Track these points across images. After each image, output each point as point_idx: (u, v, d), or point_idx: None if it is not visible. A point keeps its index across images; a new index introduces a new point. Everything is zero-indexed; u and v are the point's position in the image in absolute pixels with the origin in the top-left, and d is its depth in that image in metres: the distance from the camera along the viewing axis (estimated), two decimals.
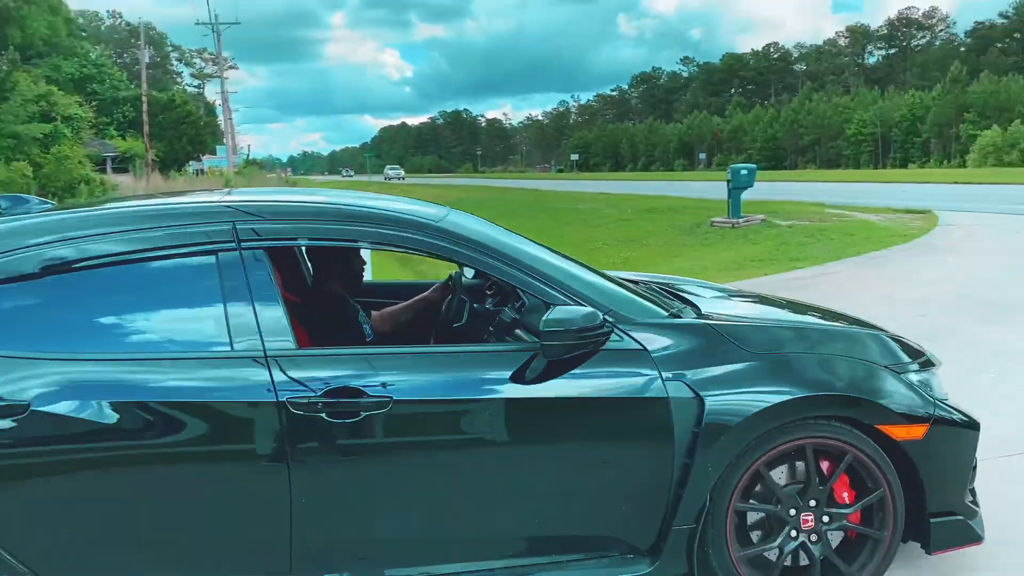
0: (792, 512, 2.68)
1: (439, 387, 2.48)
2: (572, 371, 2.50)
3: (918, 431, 2.69)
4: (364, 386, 2.39)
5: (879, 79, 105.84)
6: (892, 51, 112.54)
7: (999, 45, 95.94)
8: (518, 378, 2.48)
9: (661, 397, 2.52)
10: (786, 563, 2.69)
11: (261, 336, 2.40)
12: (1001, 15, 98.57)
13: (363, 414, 2.38)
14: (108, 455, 2.32)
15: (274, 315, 2.44)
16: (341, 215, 2.68)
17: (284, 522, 2.39)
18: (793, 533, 2.69)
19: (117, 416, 2.29)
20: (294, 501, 2.37)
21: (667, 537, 2.57)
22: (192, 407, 2.34)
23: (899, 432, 2.68)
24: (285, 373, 2.37)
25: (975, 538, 2.84)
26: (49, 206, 2.88)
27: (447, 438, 2.53)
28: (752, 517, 2.73)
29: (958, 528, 2.80)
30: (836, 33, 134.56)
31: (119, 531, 2.37)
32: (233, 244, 2.48)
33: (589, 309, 2.49)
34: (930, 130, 79.91)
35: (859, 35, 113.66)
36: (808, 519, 2.69)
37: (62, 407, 2.27)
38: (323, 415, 2.36)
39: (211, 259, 2.47)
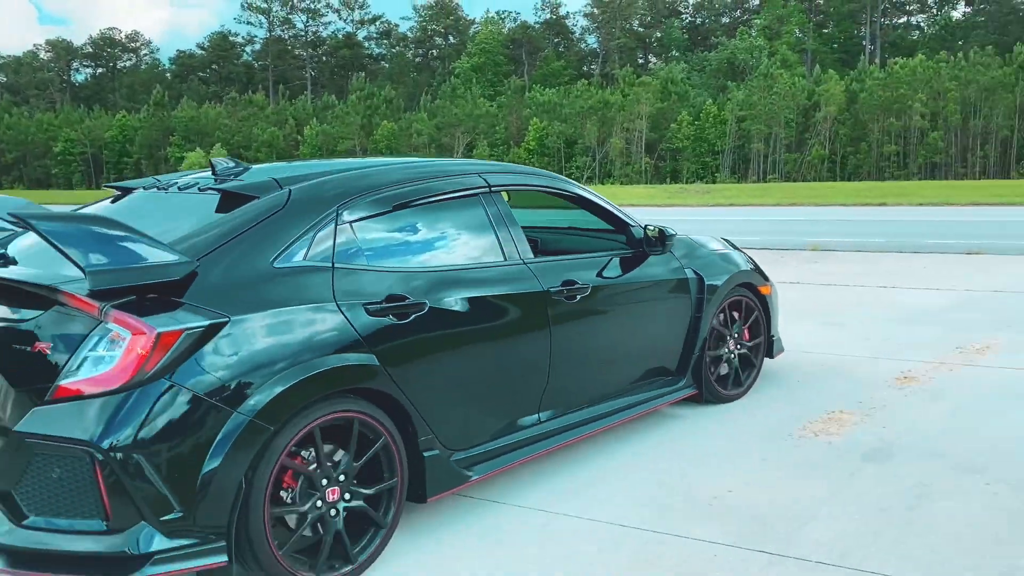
0: (733, 337, 4.88)
1: (612, 276, 4.13)
2: (657, 261, 4.43)
3: (767, 289, 5.12)
4: (578, 279, 3.84)
5: (87, 97, 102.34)
6: (100, 70, 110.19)
7: (199, 74, 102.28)
8: (640, 266, 4.31)
9: (684, 277, 4.55)
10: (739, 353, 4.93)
11: (522, 249, 3.72)
12: (199, 46, 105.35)
13: (578, 296, 3.81)
14: (460, 333, 3.32)
15: (521, 237, 3.76)
16: (527, 183, 4.14)
17: (545, 365, 3.68)
18: (732, 345, 4.87)
19: (455, 306, 3.29)
20: (554, 349, 3.69)
21: (688, 364, 4.57)
22: (495, 299, 3.47)
23: (764, 290, 5.07)
24: (536, 276, 3.67)
25: None
26: (244, 166, 3.48)
27: (612, 307, 4.10)
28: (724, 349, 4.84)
29: None
30: (35, 46, 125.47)
31: (471, 386, 3.39)
32: (486, 188, 3.72)
33: (669, 228, 4.48)
34: (140, 151, 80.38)
35: (63, 50, 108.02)
36: (734, 343, 4.89)
37: (444, 303, 3.25)
38: (566, 296, 3.75)
39: (477, 199, 3.67)
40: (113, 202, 3.57)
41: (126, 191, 3.63)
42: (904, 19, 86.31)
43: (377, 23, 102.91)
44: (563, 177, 4.40)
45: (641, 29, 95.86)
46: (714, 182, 58.10)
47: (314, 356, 2.80)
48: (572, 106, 67.00)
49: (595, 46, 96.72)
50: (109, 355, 2.52)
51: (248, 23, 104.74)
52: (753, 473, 3.72)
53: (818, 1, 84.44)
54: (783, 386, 5.06)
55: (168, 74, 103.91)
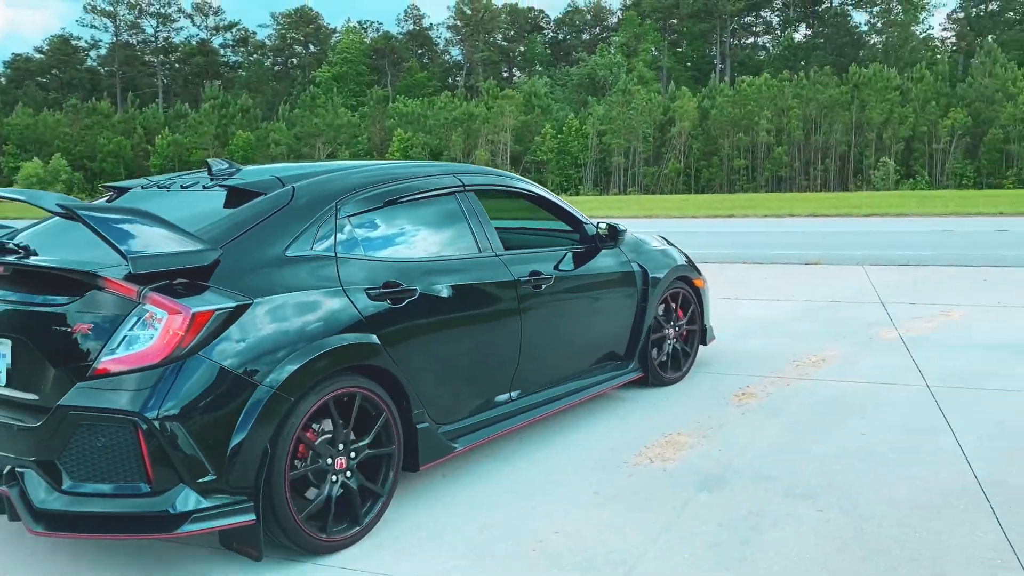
0: (673, 326, 5.41)
1: (571, 268, 4.56)
2: (608, 255, 4.90)
3: (700, 282, 5.64)
4: (542, 270, 4.27)
5: None
6: None
7: (38, 79, 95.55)
8: (593, 259, 4.78)
9: (631, 270, 5.03)
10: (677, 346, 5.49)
11: (494, 244, 4.10)
12: (37, 50, 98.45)
13: (544, 285, 4.23)
14: (446, 317, 3.69)
15: (492, 232, 4.14)
16: (497, 183, 4.50)
17: (516, 348, 4.07)
18: (671, 333, 5.40)
19: (442, 292, 3.66)
20: (524, 333, 4.09)
21: (636, 349, 5.04)
22: (476, 287, 3.87)
23: (698, 283, 5.60)
24: (506, 264, 4.07)
25: None
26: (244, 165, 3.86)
27: (572, 296, 4.51)
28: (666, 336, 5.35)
29: None
30: None
31: (455, 364, 3.74)
32: (461, 187, 4.11)
33: (620, 224, 4.96)
34: None
35: None
36: (674, 331, 5.42)
37: (432, 289, 3.61)
38: (533, 286, 4.15)
39: (453, 198, 4.05)
40: (109, 201, 3.73)
41: (122, 191, 3.86)
42: (751, 40, 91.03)
43: (233, 30, 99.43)
44: (526, 179, 4.85)
45: (505, 43, 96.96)
46: (577, 194, 59.18)
47: (326, 335, 3.13)
48: (436, 117, 66.75)
49: (459, 58, 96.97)
50: (147, 334, 2.77)
51: (92, 26, 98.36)
52: (584, 508, 3.45)
53: (672, 21, 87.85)
54: (621, 407, 4.86)
55: (2, 78, 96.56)
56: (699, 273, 5.68)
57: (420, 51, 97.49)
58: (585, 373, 4.68)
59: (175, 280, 2.85)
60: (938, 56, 69.45)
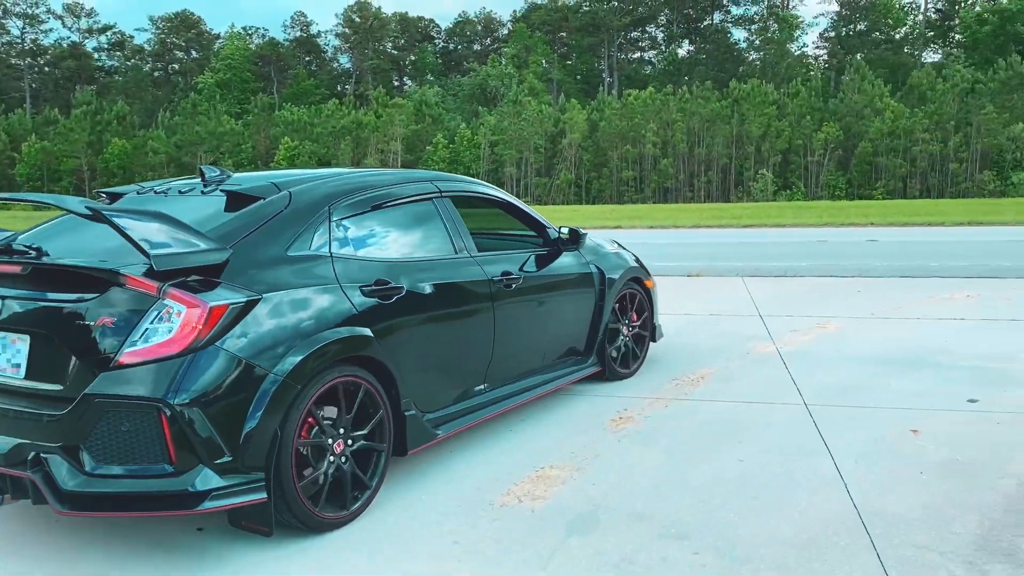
0: (626, 324, 5.77)
1: (537, 268, 4.89)
2: (569, 257, 5.25)
3: (651, 283, 6.05)
4: (519, 268, 4.67)
5: None
6: None
7: None
8: (556, 260, 5.12)
9: (590, 272, 5.38)
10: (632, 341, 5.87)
11: (469, 246, 4.40)
12: None
13: (514, 284, 4.54)
14: (429, 313, 3.97)
15: (467, 234, 4.44)
16: (470, 190, 4.80)
17: (490, 343, 4.37)
18: (625, 330, 5.76)
19: (425, 290, 3.94)
20: (497, 330, 4.40)
21: (594, 345, 5.41)
22: (455, 285, 4.16)
23: (648, 284, 5.99)
24: (480, 265, 4.38)
25: None
26: (228, 173, 4.04)
27: (538, 295, 4.83)
28: (620, 333, 5.75)
29: None
30: None
31: (437, 356, 4.03)
32: (438, 193, 4.41)
33: (581, 228, 5.35)
34: None
35: None
36: (627, 329, 5.80)
37: (417, 287, 3.90)
38: (504, 285, 4.46)
39: (431, 203, 4.34)
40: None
41: (116, 196, 4.06)
42: (638, 55, 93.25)
43: (108, 33, 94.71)
44: (494, 186, 5.19)
45: (395, 52, 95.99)
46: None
47: (326, 328, 3.38)
48: (324, 126, 65.31)
49: (349, 66, 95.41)
50: (166, 327, 2.97)
51: None
52: (439, 561, 3.09)
53: (561, 34, 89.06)
54: (490, 436, 4.52)
55: None
56: (649, 275, 6.10)
57: (308, 58, 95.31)
58: (550, 367, 5.05)
59: (190, 277, 3.07)
60: (812, 73, 72.76)
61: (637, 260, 5.96)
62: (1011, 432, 4.40)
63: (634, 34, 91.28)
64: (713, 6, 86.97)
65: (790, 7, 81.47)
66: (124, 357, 2.97)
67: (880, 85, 59.72)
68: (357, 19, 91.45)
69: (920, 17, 79.24)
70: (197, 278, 3.09)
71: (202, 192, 3.84)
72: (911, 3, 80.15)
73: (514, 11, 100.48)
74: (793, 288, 10.18)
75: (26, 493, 3.03)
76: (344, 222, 3.78)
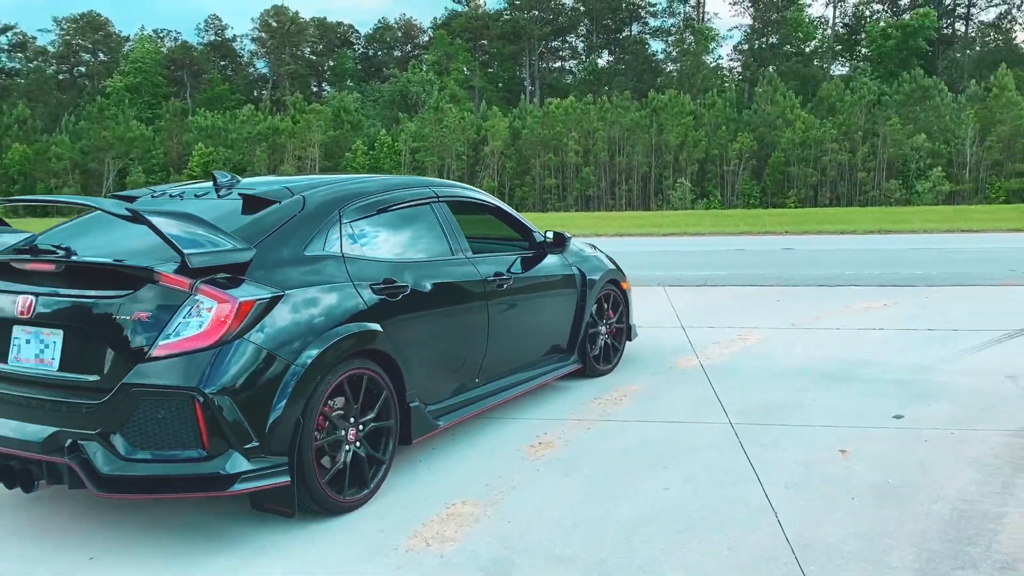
0: (604, 323, 6.06)
1: (526, 270, 5.18)
2: (553, 259, 5.55)
3: (626, 284, 6.40)
4: (508, 270, 4.93)
5: None
6: None
7: None
8: (543, 262, 5.42)
9: (572, 273, 5.67)
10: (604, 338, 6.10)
11: (465, 248, 4.68)
12: None
13: (505, 284, 4.82)
14: (431, 310, 4.23)
15: (462, 237, 4.71)
16: (465, 195, 5.09)
17: (484, 340, 4.62)
18: (603, 329, 6.05)
19: (427, 289, 4.19)
20: (491, 328, 4.65)
21: (575, 344, 5.68)
22: (454, 284, 4.43)
23: (624, 285, 6.32)
24: (475, 266, 4.65)
25: None
26: (230, 177, 4.25)
27: (527, 295, 5.10)
28: (599, 332, 6.02)
29: None
30: None
31: (438, 351, 4.28)
32: (436, 198, 4.68)
33: (566, 232, 5.69)
34: None
35: None
36: (605, 328, 6.08)
37: (420, 286, 4.15)
38: (497, 285, 4.74)
39: (429, 207, 4.60)
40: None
41: (127, 200, 4.02)
42: (559, 64, 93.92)
43: (9, 34, 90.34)
44: (484, 192, 5.47)
45: (313, 57, 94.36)
46: None
47: (342, 323, 3.59)
48: (239, 131, 63.59)
49: (265, 71, 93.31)
50: (198, 320, 3.17)
51: None
52: None
53: (483, 42, 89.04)
54: (397, 468, 4.16)
55: None
56: (625, 277, 6.40)
57: (223, 63, 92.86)
58: (536, 363, 5.30)
59: (218, 274, 3.26)
60: (727, 84, 74.54)
61: (614, 262, 6.33)
62: (939, 451, 4.27)
63: (555, 43, 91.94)
64: (631, 18, 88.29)
65: (705, 20, 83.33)
66: (159, 349, 3.14)
67: (791, 96, 61.47)
68: (274, 23, 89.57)
69: (829, 31, 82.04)
70: (225, 275, 3.29)
71: (218, 196, 4.04)
72: (820, 18, 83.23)
73: (435, 18, 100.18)
74: (714, 298, 10.10)
75: (60, 479, 3.20)
76: (353, 224, 4.02)
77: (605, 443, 4.50)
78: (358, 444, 3.68)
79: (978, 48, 76.16)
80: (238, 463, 3.16)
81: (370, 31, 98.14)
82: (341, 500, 3.56)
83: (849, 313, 8.57)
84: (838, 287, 10.71)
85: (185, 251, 3.16)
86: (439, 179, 5.16)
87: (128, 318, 3.21)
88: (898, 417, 4.87)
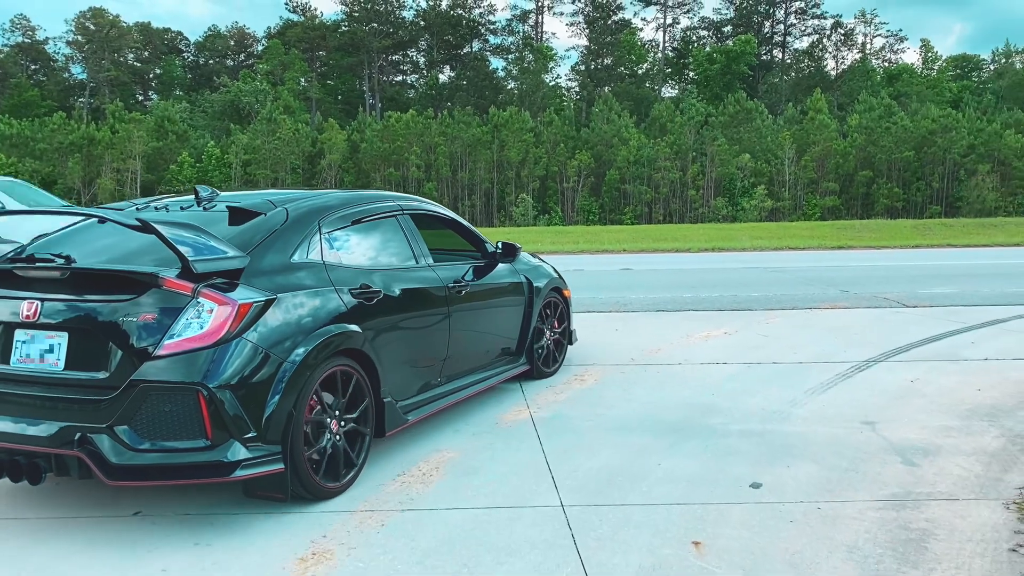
0: (548, 328, 6.51)
1: (480, 277, 5.55)
2: (504, 268, 5.95)
3: (568, 292, 6.87)
4: (462, 278, 5.26)
5: None
6: None
7: None
8: (495, 271, 5.80)
9: (520, 281, 6.07)
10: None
11: (427, 257, 5.05)
12: None
13: (463, 291, 5.19)
14: (400, 314, 4.55)
15: (424, 247, 5.09)
16: (426, 208, 5.49)
17: (446, 342, 4.98)
18: (547, 334, 6.52)
19: (397, 293, 4.54)
20: (451, 330, 5.03)
21: (523, 347, 6.08)
22: (420, 290, 4.78)
23: (566, 293, 6.78)
24: (437, 273, 5.01)
25: None
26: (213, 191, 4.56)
27: (481, 301, 5.49)
28: (543, 336, 6.44)
29: None
30: None
31: (407, 351, 4.63)
32: (400, 211, 5.08)
33: (515, 243, 6.04)
34: None
35: None
36: (549, 333, 6.55)
37: (390, 291, 4.49)
38: (456, 291, 5.10)
39: (395, 219, 4.98)
40: (101, 222, 4.19)
41: (118, 211, 4.21)
42: (400, 78, 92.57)
43: None
44: (441, 205, 5.87)
45: (138, 64, 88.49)
46: None
47: (327, 323, 3.94)
48: (49, 141, 58.18)
49: (83, 77, 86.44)
50: (200, 321, 3.47)
51: None
52: None
53: (320, 53, 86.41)
54: None
55: None
56: (567, 285, 6.85)
57: (34, 66, 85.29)
58: (490, 364, 5.65)
59: (216, 279, 3.57)
60: (565, 103, 75.81)
61: (556, 272, 6.79)
62: (808, 536, 3.51)
63: (395, 57, 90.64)
64: (472, 34, 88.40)
65: (544, 40, 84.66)
66: (164, 348, 3.42)
67: (626, 116, 63.11)
68: (91, 26, 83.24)
69: (659, 55, 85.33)
70: (223, 280, 3.57)
71: (204, 208, 4.28)
72: (651, 41, 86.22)
73: (269, 27, 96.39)
74: None
75: (68, 471, 3.45)
76: (331, 234, 4.36)
77: (401, 547, 3.44)
78: (338, 436, 3.99)
79: (794, 74, 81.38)
80: (238, 451, 3.45)
81: (200, 39, 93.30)
82: (327, 485, 3.88)
83: (690, 343, 7.96)
84: (677, 312, 10.18)
85: (189, 258, 3.47)
86: (403, 193, 5.61)
87: (134, 320, 3.47)
88: (756, 486, 4.10)
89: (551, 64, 79.72)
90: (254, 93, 69.89)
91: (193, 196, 4.49)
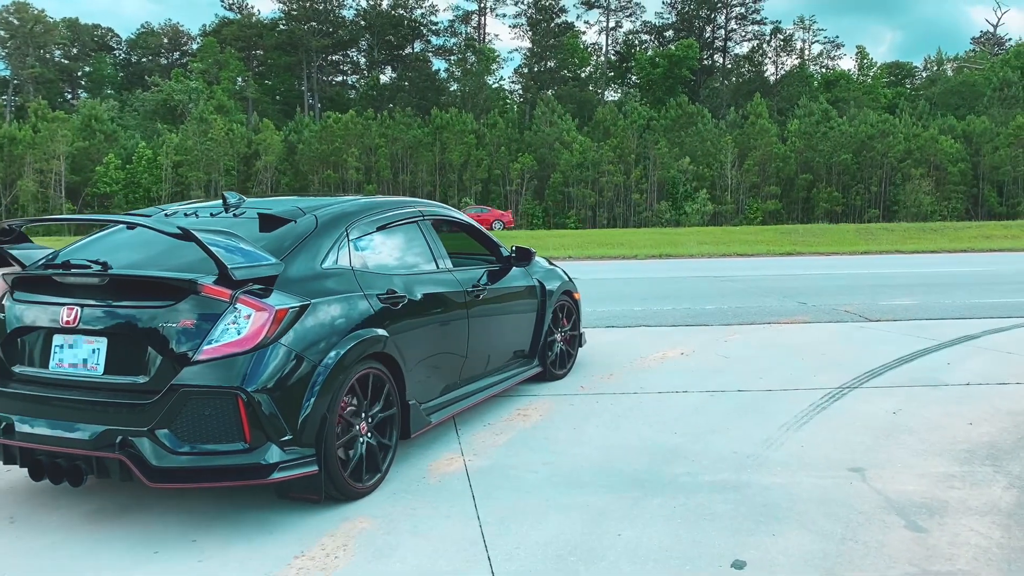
0: (559, 329, 6.65)
1: (497, 281, 5.74)
2: (518, 272, 6.11)
3: (578, 295, 6.94)
4: (479, 282, 5.45)
5: None
6: None
7: None
8: (510, 275, 5.99)
9: (534, 284, 6.24)
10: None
11: (447, 262, 5.20)
12: None
13: (481, 295, 5.38)
14: (423, 318, 4.69)
15: (444, 252, 5.24)
16: (445, 214, 5.68)
17: (465, 344, 5.12)
18: (559, 336, 6.65)
19: (420, 297, 4.69)
20: (470, 334, 5.18)
21: (537, 349, 6.24)
22: (441, 294, 4.94)
23: (576, 296, 6.89)
24: (456, 277, 5.17)
25: None
26: (240, 198, 4.63)
27: (498, 304, 5.67)
28: (555, 339, 6.61)
29: None
30: None
31: (429, 354, 4.73)
32: (421, 217, 5.22)
33: (529, 248, 6.25)
34: None
35: None
36: (561, 335, 6.68)
37: (414, 296, 4.63)
38: (474, 295, 5.28)
39: (416, 225, 5.12)
40: (131, 228, 4.29)
41: (145, 217, 4.34)
42: (341, 78, 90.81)
43: None
44: (458, 211, 6.07)
45: (66, 61, 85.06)
46: None
47: (358, 328, 4.06)
48: None
49: (6, 74, 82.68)
50: (238, 327, 3.57)
51: None
52: None
53: (257, 52, 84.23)
54: None
55: None
56: (576, 288, 6.94)
57: None
58: (505, 367, 5.83)
59: (253, 285, 3.67)
60: (508, 105, 75.15)
61: (567, 275, 6.90)
62: None
63: (335, 57, 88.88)
64: (414, 35, 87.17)
65: (487, 41, 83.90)
66: (204, 353, 3.52)
67: (569, 119, 62.72)
68: (15, 21, 79.65)
69: (602, 58, 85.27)
70: (259, 287, 3.70)
71: (234, 215, 4.39)
72: (594, 45, 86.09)
73: (204, 25, 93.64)
74: None
75: (108, 473, 3.52)
76: (358, 240, 4.49)
77: None
78: (369, 436, 4.09)
79: (735, 78, 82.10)
80: (275, 454, 3.57)
81: (132, 36, 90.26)
82: (358, 486, 3.98)
83: (645, 366, 7.20)
84: (628, 328, 9.44)
85: (228, 265, 3.59)
86: (422, 199, 5.84)
87: (173, 325, 3.58)
88: (739, 566, 3.32)
89: (494, 66, 79.04)
90: (188, 92, 67.69)
91: (221, 202, 4.58)
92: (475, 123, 62.55)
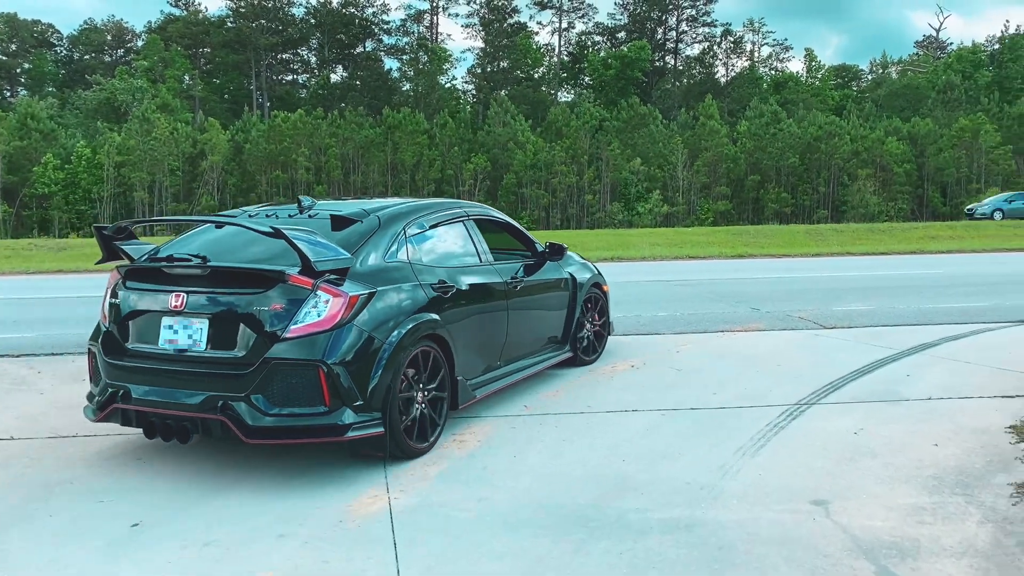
0: (590, 320, 7.41)
1: (533, 274, 6.45)
2: (551, 265, 6.82)
3: (607, 288, 7.75)
4: (517, 274, 6.15)
5: None
6: None
7: None
8: (544, 268, 6.70)
9: (566, 277, 6.98)
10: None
11: (489, 256, 5.98)
12: None
13: (519, 285, 6.08)
14: (469, 306, 5.41)
15: (487, 247, 6.02)
16: (487, 214, 6.46)
17: (505, 329, 5.84)
18: (588, 325, 7.40)
19: (466, 287, 5.41)
20: (509, 320, 5.88)
21: (568, 336, 6.97)
22: (484, 284, 5.66)
23: (605, 288, 7.64)
24: (497, 269, 5.92)
25: None
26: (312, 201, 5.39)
27: (533, 295, 6.37)
28: (586, 327, 7.35)
29: None
30: None
31: (474, 336, 5.44)
32: (466, 216, 6.02)
33: (562, 244, 6.90)
34: None
35: None
36: (590, 324, 7.39)
37: (461, 286, 5.36)
38: (513, 285, 5.99)
39: (462, 223, 5.92)
40: (219, 227, 5.10)
41: (232, 218, 5.09)
42: (291, 76, 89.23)
43: None
44: (498, 211, 6.73)
45: (3, 57, 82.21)
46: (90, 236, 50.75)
47: (414, 312, 4.76)
48: None
49: None
50: (318, 310, 4.30)
51: None
52: None
53: (204, 50, 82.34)
54: None
55: None
56: (605, 281, 7.67)
57: None
58: (540, 351, 6.53)
59: (330, 276, 4.37)
60: (461, 105, 74.53)
61: (596, 269, 7.61)
62: None
63: (285, 55, 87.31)
64: (365, 34, 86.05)
65: (439, 41, 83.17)
66: (291, 332, 4.26)
67: (522, 120, 62.33)
68: None
69: (555, 59, 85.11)
70: (335, 276, 4.40)
71: (309, 216, 5.09)
72: (547, 45, 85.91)
73: (149, 21, 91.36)
74: None
75: (210, 432, 4.33)
76: (413, 237, 5.22)
77: None
78: (424, 405, 4.80)
79: (686, 80, 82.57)
80: (349, 416, 4.28)
81: (74, 32, 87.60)
82: (416, 446, 4.69)
83: (593, 380, 6.79)
84: None
85: (312, 258, 4.28)
86: (466, 200, 6.77)
87: (265, 308, 4.29)
88: None
89: (446, 66, 78.39)
90: (131, 91, 65.79)
91: (296, 205, 5.28)
92: (427, 123, 61.84)
